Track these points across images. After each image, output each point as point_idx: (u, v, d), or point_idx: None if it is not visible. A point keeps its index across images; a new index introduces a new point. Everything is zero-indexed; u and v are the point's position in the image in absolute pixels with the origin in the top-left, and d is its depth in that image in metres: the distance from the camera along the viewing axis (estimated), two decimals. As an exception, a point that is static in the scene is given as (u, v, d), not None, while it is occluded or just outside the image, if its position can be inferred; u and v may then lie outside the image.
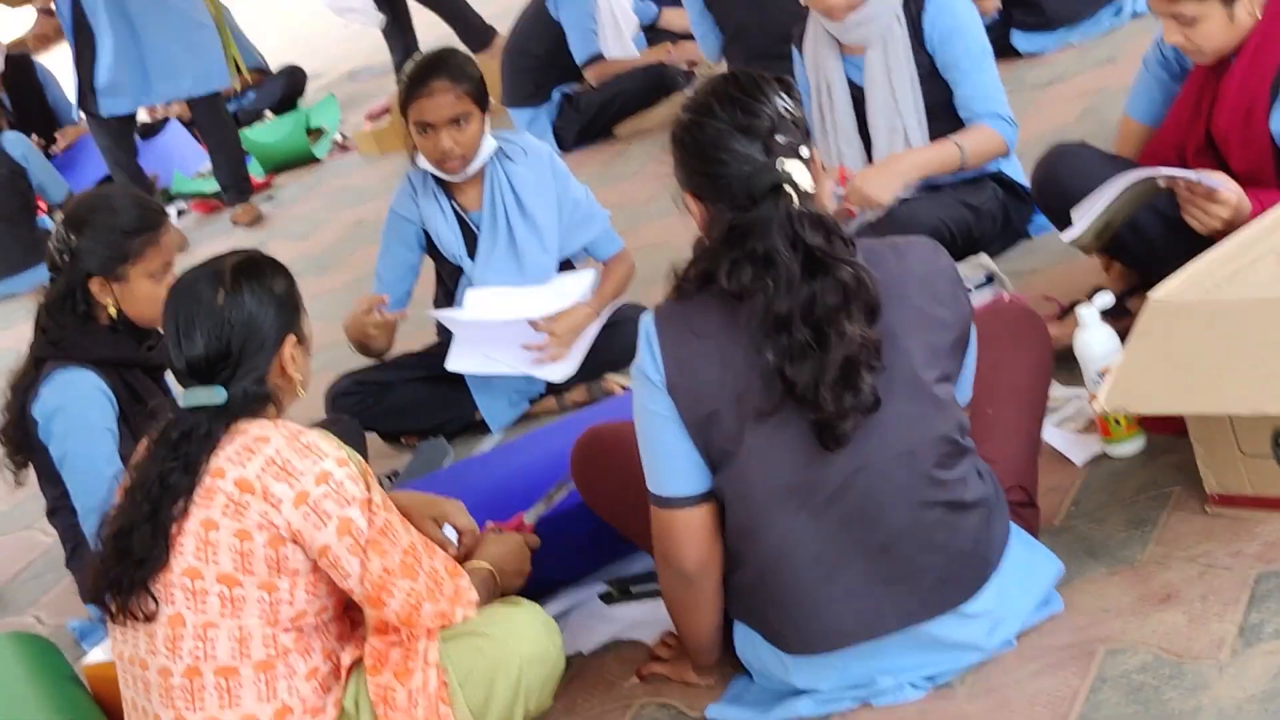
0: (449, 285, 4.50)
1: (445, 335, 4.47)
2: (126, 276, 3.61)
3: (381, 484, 4.31)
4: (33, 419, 3.60)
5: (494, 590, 2.97)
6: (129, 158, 7.95)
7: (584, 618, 3.27)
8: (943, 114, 4.24)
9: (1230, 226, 3.11)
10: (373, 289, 4.48)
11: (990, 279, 3.95)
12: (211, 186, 8.56)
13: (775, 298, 2.49)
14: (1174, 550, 2.84)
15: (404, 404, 4.50)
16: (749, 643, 2.75)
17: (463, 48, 7.18)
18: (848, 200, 4.11)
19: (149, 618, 2.64)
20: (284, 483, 2.62)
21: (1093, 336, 3.18)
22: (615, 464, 2.96)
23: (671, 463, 2.64)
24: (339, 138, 9.24)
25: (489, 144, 4.37)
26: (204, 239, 8.17)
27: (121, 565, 2.65)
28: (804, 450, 2.56)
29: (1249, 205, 3.14)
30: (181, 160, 9.18)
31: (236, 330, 2.71)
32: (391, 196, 4.51)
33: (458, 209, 4.44)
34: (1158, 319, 2.80)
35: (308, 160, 9.07)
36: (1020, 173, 4.31)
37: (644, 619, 3.17)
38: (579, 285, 4.41)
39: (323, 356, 5.68)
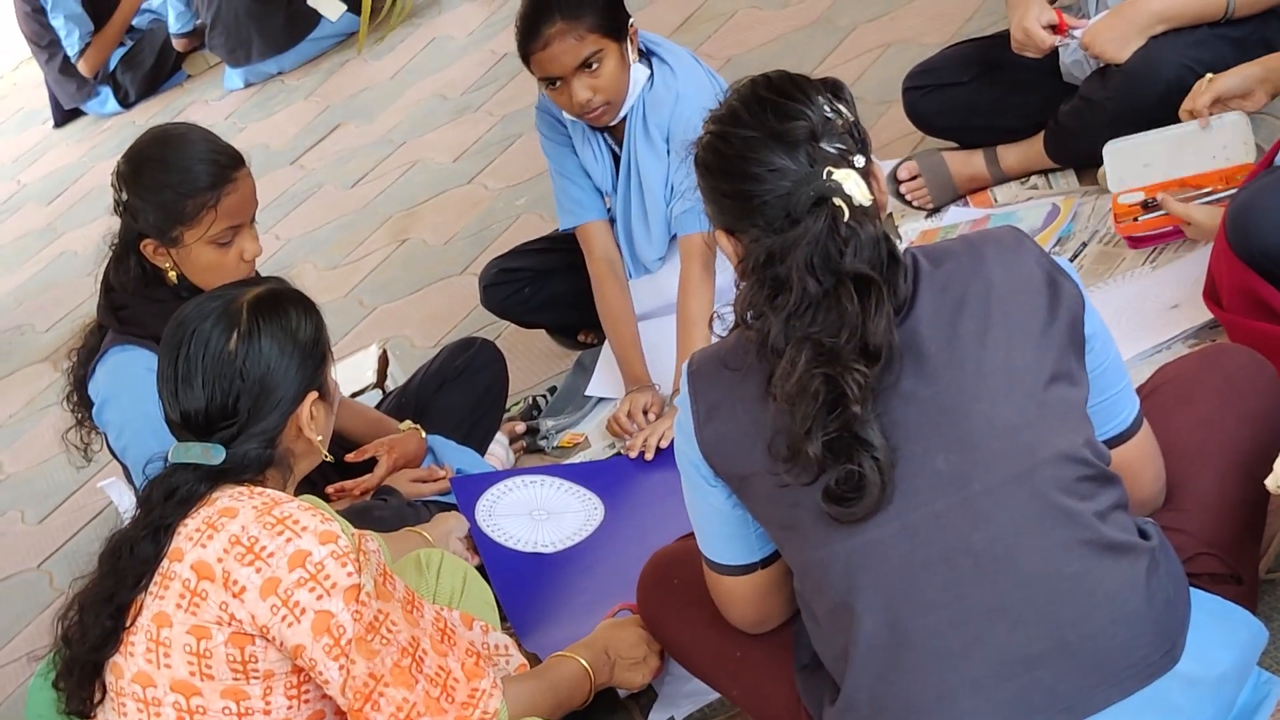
0: None
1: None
2: (182, 241, 3.04)
3: (536, 406, 3.73)
4: (89, 398, 3.18)
5: (574, 693, 2.54)
6: None
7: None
8: None
9: None
10: (561, 223, 3.73)
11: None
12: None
13: (771, 327, 1.98)
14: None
15: (570, 293, 3.80)
16: None
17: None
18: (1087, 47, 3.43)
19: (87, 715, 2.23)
20: (250, 566, 2.11)
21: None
22: (683, 599, 2.45)
23: (715, 527, 2.20)
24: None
25: (639, 75, 3.53)
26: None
27: (73, 649, 2.20)
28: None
29: None
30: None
31: (248, 385, 2.24)
32: None
33: (608, 141, 3.67)
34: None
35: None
36: None
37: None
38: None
39: (476, 215, 4.92)
